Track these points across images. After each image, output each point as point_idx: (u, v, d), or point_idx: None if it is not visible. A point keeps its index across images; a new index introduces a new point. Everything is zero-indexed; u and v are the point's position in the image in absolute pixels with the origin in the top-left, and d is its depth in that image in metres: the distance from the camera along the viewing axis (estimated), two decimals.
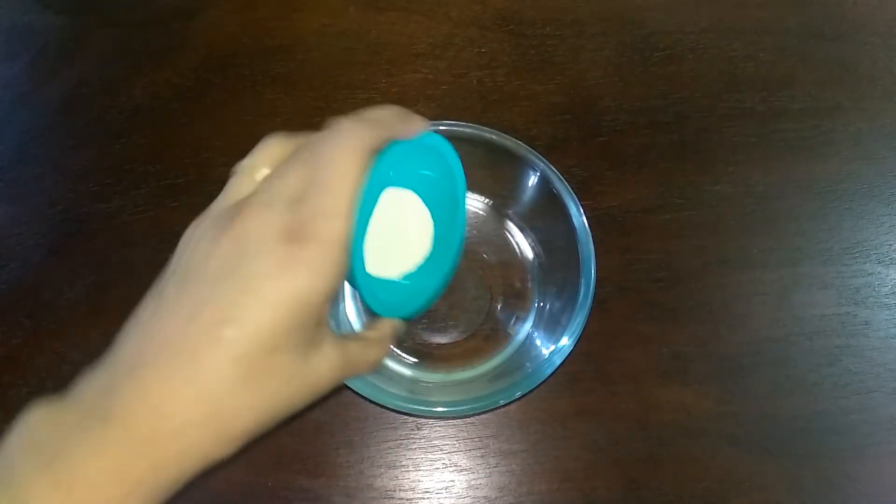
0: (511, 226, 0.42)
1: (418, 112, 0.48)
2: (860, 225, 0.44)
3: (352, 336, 0.27)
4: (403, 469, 0.38)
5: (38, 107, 0.47)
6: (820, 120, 0.46)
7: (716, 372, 0.40)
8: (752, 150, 0.45)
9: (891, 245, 0.44)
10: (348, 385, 0.33)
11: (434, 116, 0.45)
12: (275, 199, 0.23)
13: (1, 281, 0.43)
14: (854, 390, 0.40)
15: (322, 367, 0.23)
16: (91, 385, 0.21)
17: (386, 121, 0.26)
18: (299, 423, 0.39)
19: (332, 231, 0.22)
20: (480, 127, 0.37)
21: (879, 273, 0.43)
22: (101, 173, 0.45)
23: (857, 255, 0.43)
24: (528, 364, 0.36)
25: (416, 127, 0.28)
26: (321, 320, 0.23)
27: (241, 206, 0.23)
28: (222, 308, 0.21)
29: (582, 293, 0.34)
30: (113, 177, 0.45)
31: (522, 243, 0.42)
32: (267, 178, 0.24)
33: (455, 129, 0.37)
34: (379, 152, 0.25)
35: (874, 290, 0.42)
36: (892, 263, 0.43)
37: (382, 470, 0.38)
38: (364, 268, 0.26)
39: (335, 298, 0.23)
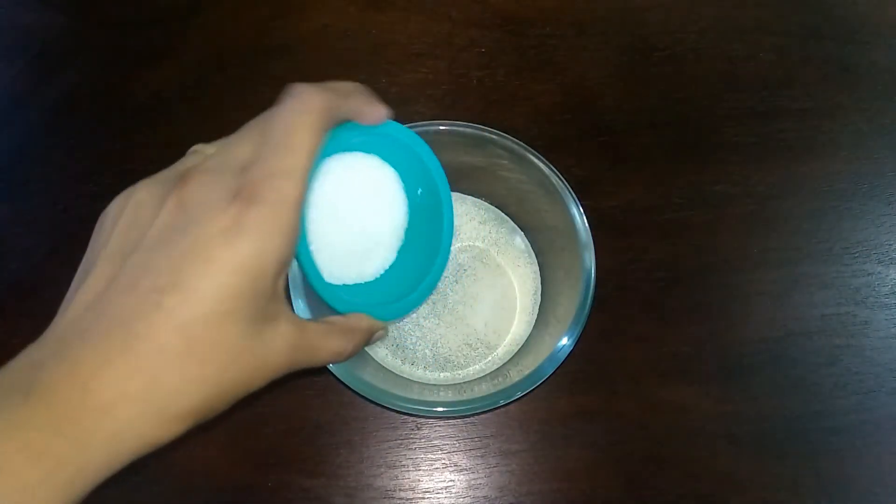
0: (511, 225, 0.42)
1: (418, 112, 0.49)
2: (860, 225, 0.44)
3: (317, 320, 0.25)
4: (403, 469, 0.38)
5: (38, 107, 0.47)
6: (820, 120, 0.46)
7: (715, 372, 0.40)
8: (752, 150, 0.45)
9: (891, 245, 0.44)
10: (348, 385, 0.33)
11: (434, 116, 0.45)
12: (223, 165, 0.21)
13: (1, 281, 0.43)
14: (854, 390, 0.40)
15: (277, 345, 0.22)
16: (20, 361, 0.20)
17: (349, 93, 0.24)
18: (299, 423, 0.39)
19: (282, 191, 0.20)
20: (480, 127, 0.37)
21: (879, 273, 0.43)
22: (101, 173, 0.45)
23: (857, 255, 0.43)
24: (528, 364, 0.36)
25: (379, 112, 0.26)
26: (274, 292, 0.21)
27: (186, 173, 0.21)
28: (163, 274, 0.19)
29: (582, 293, 0.34)
30: (113, 177, 0.45)
31: (522, 243, 0.42)
32: (217, 148, 0.23)
33: (455, 129, 0.37)
34: (338, 129, 0.24)
35: (874, 290, 0.42)
36: (892, 263, 0.43)
37: (382, 470, 0.38)
38: (310, 254, 0.24)
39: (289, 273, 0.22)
